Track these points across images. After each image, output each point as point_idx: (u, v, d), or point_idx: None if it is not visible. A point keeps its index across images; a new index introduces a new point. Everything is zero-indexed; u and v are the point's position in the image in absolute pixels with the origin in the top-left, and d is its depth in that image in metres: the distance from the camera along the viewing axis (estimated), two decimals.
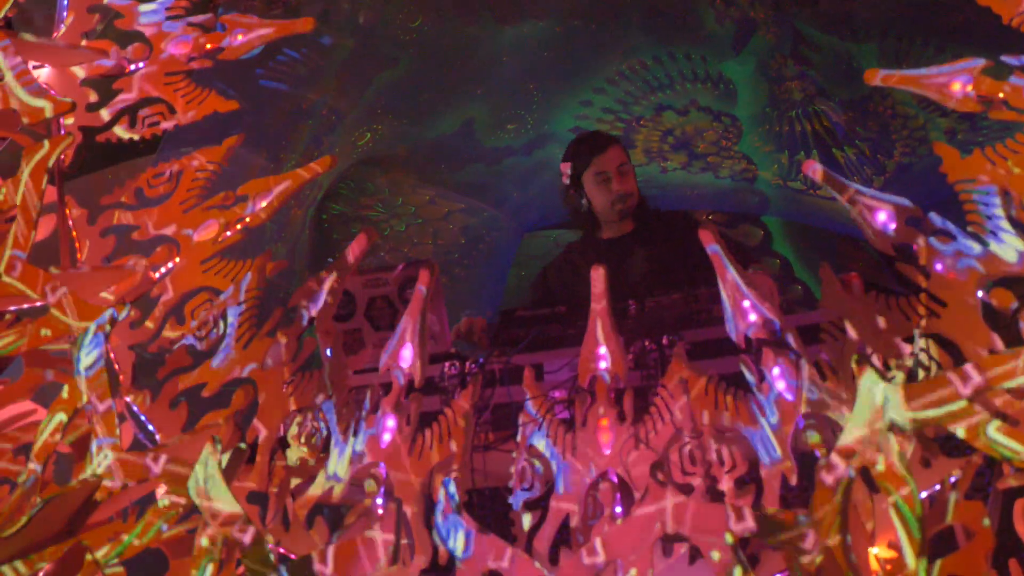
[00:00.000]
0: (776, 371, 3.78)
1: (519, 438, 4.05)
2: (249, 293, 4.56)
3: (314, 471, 4.19)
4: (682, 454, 3.78)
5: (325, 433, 4.26)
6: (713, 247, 3.94)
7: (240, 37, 4.86)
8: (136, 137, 4.87)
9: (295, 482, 4.24)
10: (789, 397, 3.73)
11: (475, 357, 4.43)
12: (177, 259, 4.62)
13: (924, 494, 3.48)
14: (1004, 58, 3.93)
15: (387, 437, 4.12)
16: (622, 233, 5.73)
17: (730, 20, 8.34)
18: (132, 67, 4.84)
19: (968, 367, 3.38)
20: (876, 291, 3.89)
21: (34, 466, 4.20)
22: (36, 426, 4.35)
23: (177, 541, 4.16)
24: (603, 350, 4.02)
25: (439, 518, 3.85)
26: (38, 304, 4.46)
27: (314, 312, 4.41)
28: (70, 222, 4.74)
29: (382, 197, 9.85)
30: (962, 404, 3.31)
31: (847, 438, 3.42)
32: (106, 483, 4.10)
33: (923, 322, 3.75)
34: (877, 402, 3.39)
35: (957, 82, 4.01)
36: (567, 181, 5.78)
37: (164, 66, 4.84)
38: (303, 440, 4.26)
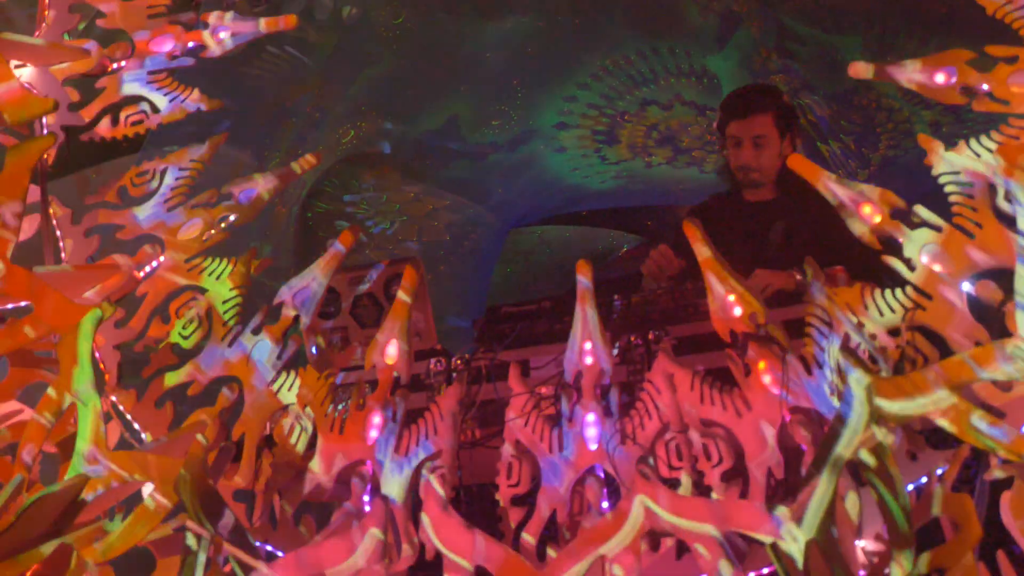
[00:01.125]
0: (762, 365, 3.78)
1: (505, 434, 4.05)
2: (234, 291, 4.56)
3: (301, 468, 4.19)
4: (668, 448, 3.78)
5: (311, 431, 4.26)
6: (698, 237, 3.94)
7: (223, 34, 4.85)
8: (119, 136, 4.86)
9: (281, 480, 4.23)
10: (775, 391, 3.73)
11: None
12: (162, 258, 4.61)
13: (910, 487, 3.48)
14: (989, 49, 3.94)
15: (373, 434, 4.12)
16: (763, 199, 5.56)
17: (714, 14, 8.36)
18: (114, 66, 4.82)
19: (953, 359, 3.38)
20: (862, 284, 3.89)
21: (21, 466, 4.19)
22: (22, 426, 4.34)
23: (164, 540, 4.16)
24: (589, 345, 4.02)
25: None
26: (22, 304, 4.45)
27: (300, 309, 4.41)
28: (54, 222, 4.72)
29: (367, 194, 9.85)
30: (948, 396, 3.31)
31: (833, 431, 3.42)
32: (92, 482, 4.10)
33: (909, 315, 3.74)
34: (863, 395, 3.39)
35: (941, 74, 4.01)
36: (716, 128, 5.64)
37: (147, 64, 4.83)
38: (289, 438, 4.26)
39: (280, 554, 4.08)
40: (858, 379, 3.40)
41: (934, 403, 3.34)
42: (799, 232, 5.16)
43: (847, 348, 3.61)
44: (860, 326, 3.75)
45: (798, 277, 4.54)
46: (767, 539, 3.38)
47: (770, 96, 5.63)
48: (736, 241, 5.15)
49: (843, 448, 3.37)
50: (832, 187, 3.95)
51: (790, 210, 5.25)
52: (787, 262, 4.59)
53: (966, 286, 3.71)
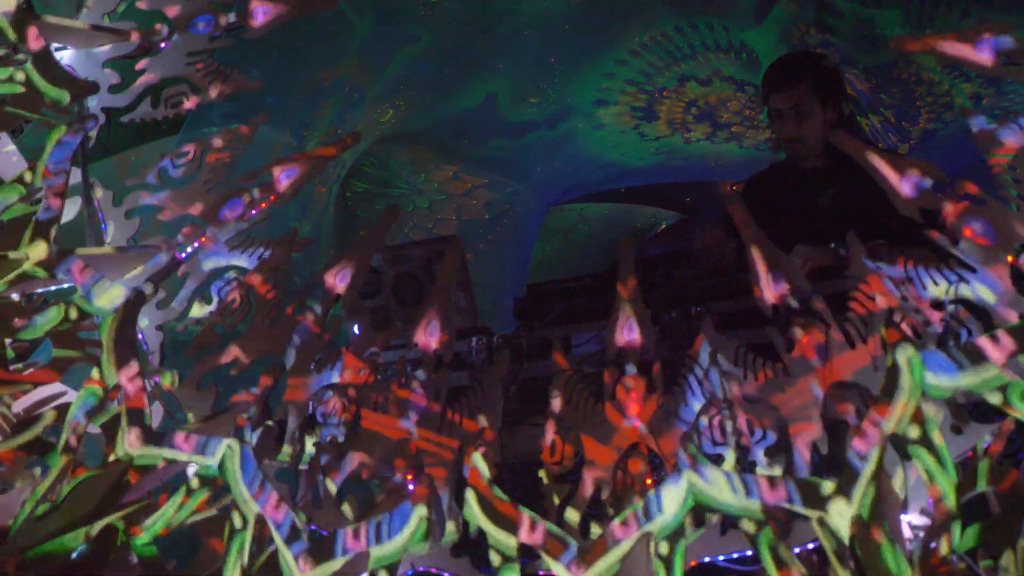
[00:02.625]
0: (805, 340, 3.76)
1: (548, 412, 4.05)
2: (275, 271, 4.57)
3: (343, 448, 4.20)
4: (712, 424, 3.77)
5: (354, 410, 4.27)
6: (741, 217, 3.92)
7: (261, 15, 4.86)
8: (160, 117, 4.87)
9: (325, 459, 4.24)
10: (819, 365, 3.71)
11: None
12: (203, 239, 4.62)
13: (956, 460, 3.46)
14: None
15: (415, 413, 4.12)
16: (815, 166, 5.48)
17: None
18: (155, 48, 4.84)
19: (999, 332, 3.36)
20: (904, 257, 3.86)
21: (65, 448, 4.22)
22: (66, 408, 4.37)
23: (210, 520, 4.18)
24: (631, 322, 4.00)
25: None
26: (66, 286, 4.49)
27: (341, 289, 4.41)
28: (96, 203, 4.75)
29: (405, 174, 9.86)
30: (994, 370, 3.30)
31: (879, 405, 3.41)
32: (136, 464, 4.13)
33: (953, 288, 3.72)
34: (907, 369, 3.38)
35: (983, 45, 3.98)
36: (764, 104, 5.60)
37: (187, 45, 4.85)
38: (331, 417, 4.27)
39: (324, 533, 4.09)
40: (903, 353, 3.39)
41: (979, 377, 3.32)
42: (847, 199, 5.11)
43: (891, 322, 3.59)
44: (904, 299, 3.72)
45: (841, 252, 4.52)
46: (813, 514, 3.37)
47: (808, 64, 5.58)
48: (786, 211, 5.14)
49: (888, 422, 3.36)
50: (874, 160, 3.92)
51: (841, 176, 5.19)
52: (834, 230, 4.56)
53: (1010, 259, 3.68)
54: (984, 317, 3.66)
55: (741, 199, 3.99)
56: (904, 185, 3.85)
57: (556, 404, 4.03)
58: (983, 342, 3.35)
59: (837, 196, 5.16)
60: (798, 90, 5.39)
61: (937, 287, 3.74)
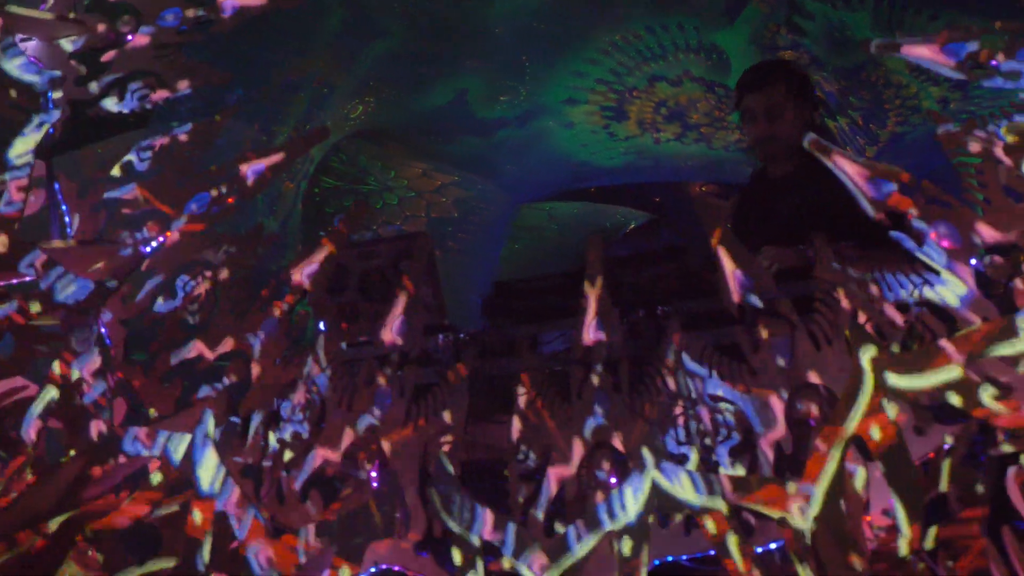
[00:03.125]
0: (770, 340, 3.78)
1: (514, 409, 4.05)
2: (242, 267, 4.55)
3: (308, 445, 4.19)
4: (677, 424, 3.78)
5: (319, 406, 4.26)
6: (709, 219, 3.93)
7: (230, 8, 4.83)
8: (126, 111, 4.85)
9: (289, 455, 4.23)
10: (783, 366, 3.73)
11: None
12: (168, 233, 4.60)
13: (918, 462, 3.48)
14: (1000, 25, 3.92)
15: (381, 410, 4.12)
16: (784, 173, 5.47)
17: None
18: (122, 40, 4.82)
19: (962, 334, 3.38)
20: (870, 259, 3.88)
21: (26, 442, 4.20)
22: (28, 402, 4.35)
23: (171, 516, 4.16)
24: (598, 321, 4.01)
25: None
26: (27, 279, 4.46)
27: (307, 285, 4.40)
28: (60, 196, 4.72)
29: (374, 170, 9.84)
30: (956, 372, 3.31)
31: (842, 406, 3.42)
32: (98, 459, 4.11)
33: (917, 291, 3.74)
34: (871, 371, 3.39)
35: (951, 49, 4.00)
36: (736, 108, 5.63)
37: (155, 38, 4.82)
38: (297, 414, 4.26)
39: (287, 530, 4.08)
40: (868, 354, 3.41)
41: (942, 378, 3.34)
42: (813, 205, 5.12)
43: (855, 324, 3.61)
44: (869, 301, 3.74)
45: (808, 253, 4.53)
46: (775, 514, 3.38)
47: (782, 68, 5.70)
48: (756, 219, 5.17)
49: (851, 423, 3.37)
50: (843, 163, 3.93)
51: (810, 182, 5.21)
52: (801, 236, 4.56)
53: (974, 262, 3.69)
54: (948, 320, 3.68)
55: (709, 200, 4.01)
56: (871, 188, 3.86)
57: (522, 402, 4.03)
58: (946, 344, 3.36)
59: (804, 202, 5.17)
60: (772, 90, 5.41)
61: (902, 289, 3.76)
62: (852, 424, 3.37)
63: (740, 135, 9.51)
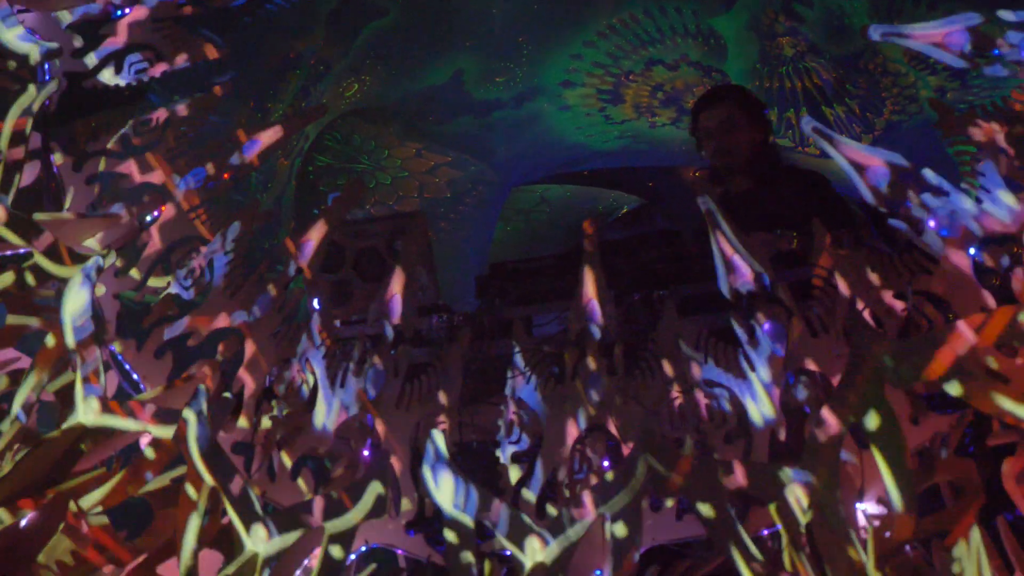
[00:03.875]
0: (766, 326, 3.77)
1: (508, 391, 4.04)
2: (236, 243, 4.54)
3: (301, 422, 4.18)
4: (672, 408, 3.77)
5: (312, 384, 4.25)
6: (704, 200, 3.92)
7: None
8: (123, 84, 4.83)
9: (281, 433, 4.22)
10: (779, 352, 3.72)
11: None
12: (164, 208, 4.59)
13: (914, 451, 3.47)
14: (1001, 13, 3.92)
15: (375, 389, 4.11)
16: (742, 190, 5.57)
17: None
18: (119, 12, 4.80)
19: (960, 324, 3.37)
20: (867, 248, 3.88)
21: (18, 414, 4.18)
22: (20, 374, 4.33)
23: (162, 491, 4.15)
24: (593, 304, 4.00)
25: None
26: (22, 251, 4.44)
27: (302, 262, 4.39)
28: (55, 169, 4.70)
29: (368, 149, 9.82)
30: (954, 361, 3.31)
31: (838, 394, 3.42)
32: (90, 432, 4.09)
33: (915, 279, 3.74)
34: (869, 359, 3.39)
35: (951, 37, 4.00)
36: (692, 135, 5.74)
37: (153, 11, 4.80)
38: (290, 391, 4.25)
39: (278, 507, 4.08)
40: (864, 342, 3.40)
41: (939, 368, 3.33)
42: (773, 219, 5.16)
43: (853, 311, 3.60)
44: (869, 288, 3.74)
45: (792, 238, 4.56)
46: (770, 500, 3.38)
47: (734, 89, 6.06)
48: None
49: (847, 411, 3.37)
50: (844, 150, 3.93)
51: (769, 198, 5.28)
52: None
53: (972, 251, 3.69)
54: (945, 309, 3.68)
55: (705, 185, 4.00)
56: (870, 176, 3.86)
57: (516, 384, 4.03)
58: (943, 333, 3.36)
59: (763, 216, 5.20)
60: (726, 105, 5.56)
61: (899, 278, 3.76)
62: (847, 411, 3.37)
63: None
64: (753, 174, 5.45)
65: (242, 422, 4.24)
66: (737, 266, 3.86)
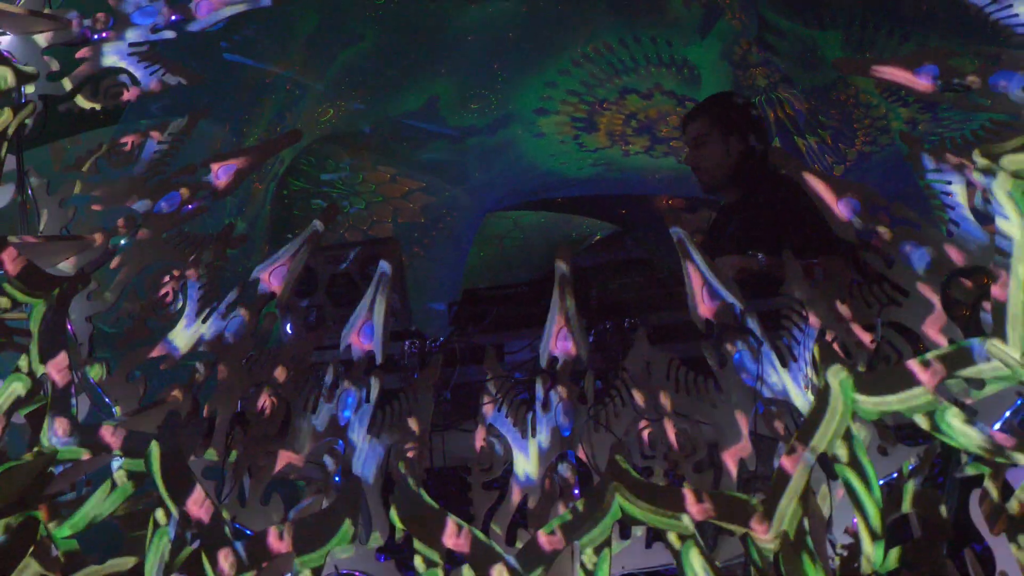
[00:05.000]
0: (737, 356, 3.79)
1: (479, 418, 4.05)
2: (210, 267, 4.54)
3: (271, 447, 4.18)
4: (642, 437, 3.79)
5: (284, 409, 4.25)
6: (676, 231, 3.94)
7: (205, 9, 4.83)
8: (98, 107, 4.84)
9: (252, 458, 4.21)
10: (749, 382, 3.75)
11: None
12: (137, 231, 4.59)
13: (881, 482, 3.49)
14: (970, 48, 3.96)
15: (347, 414, 4.12)
16: (729, 200, 5.58)
17: (696, 4, 8.36)
18: (95, 36, 4.81)
19: (930, 356, 3.40)
20: (837, 278, 3.91)
21: None
22: None
23: (132, 515, 4.14)
24: (564, 331, 4.01)
25: None
26: None
27: (275, 287, 4.39)
28: (30, 191, 4.69)
29: (343, 174, 9.83)
30: (924, 394, 3.33)
31: (808, 424, 3.44)
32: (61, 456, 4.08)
33: (884, 310, 3.76)
34: (838, 389, 3.41)
35: (922, 71, 4.03)
36: None
37: (129, 36, 4.82)
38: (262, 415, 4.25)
39: (248, 532, 4.07)
40: (835, 373, 3.42)
41: (908, 399, 3.36)
42: (758, 228, 5.17)
43: (823, 342, 3.62)
44: (839, 319, 3.76)
45: (759, 256, 4.59)
46: (739, 530, 3.39)
47: (713, 101, 5.82)
48: (709, 242, 5.26)
49: (817, 441, 3.39)
50: (812, 181, 3.96)
51: (755, 207, 5.28)
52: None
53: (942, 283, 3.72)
54: (914, 340, 3.70)
55: (677, 214, 4.03)
56: (841, 207, 3.89)
57: (487, 410, 4.04)
58: (913, 365, 3.38)
59: (749, 225, 5.21)
60: (699, 122, 5.55)
61: (869, 309, 3.79)
62: (817, 442, 3.39)
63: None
64: (740, 184, 5.45)
65: (213, 447, 4.23)
66: (707, 295, 3.89)
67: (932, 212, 3.88)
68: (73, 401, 4.18)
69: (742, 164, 5.41)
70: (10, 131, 4.50)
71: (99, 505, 4.02)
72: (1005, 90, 3.85)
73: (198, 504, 3.89)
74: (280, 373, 4.29)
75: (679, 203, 10.14)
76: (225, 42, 7.24)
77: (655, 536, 3.63)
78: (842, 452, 3.36)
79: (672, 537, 3.48)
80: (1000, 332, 3.34)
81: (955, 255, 3.72)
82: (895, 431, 3.63)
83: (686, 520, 3.43)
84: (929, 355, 3.41)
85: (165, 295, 4.50)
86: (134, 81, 4.83)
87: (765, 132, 5.58)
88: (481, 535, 3.70)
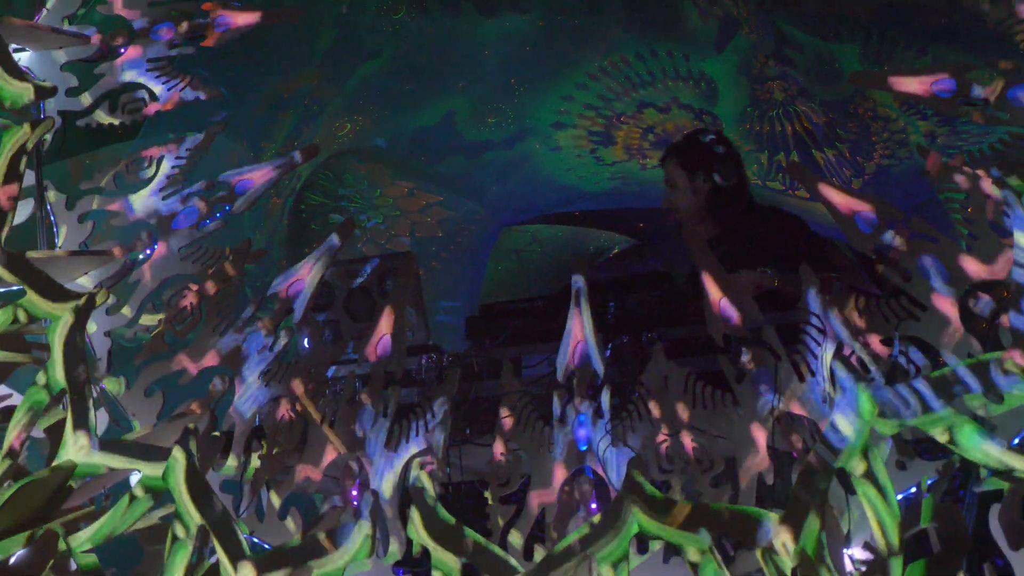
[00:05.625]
0: (755, 370, 3.79)
1: (497, 432, 4.05)
2: (228, 281, 4.56)
3: (290, 462, 4.18)
4: (659, 451, 3.78)
5: (301, 423, 4.25)
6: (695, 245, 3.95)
7: (223, 24, 4.85)
8: (117, 123, 4.86)
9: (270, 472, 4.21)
10: (768, 396, 3.74)
11: None
12: (156, 246, 4.60)
13: (900, 496, 3.48)
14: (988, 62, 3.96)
15: (364, 429, 4.12)
16: (712, 235, 5.53)
17: (713, 18, 8.33)
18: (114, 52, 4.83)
19: (947, 371, 3.39)
20: (855, 292, 3.89)
21: (8, 452, 4.18)
22: (11, 411, 4.33)
23: (151, 529, 4.15)
24: (582, 345, 4.02)
25: None
26: (14, 288, 4.44)
27: (293, 302, 4.40)
28: (48, 206, 4.71)
29: (360, 189, 9.83)
30: (941, 408, 3.32)
31: (825, 439, 3.43)
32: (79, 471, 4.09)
33: (902, 324, 3.75)
34: (856, 404, 3.40)
35: (940, 84, 4.03)
36: None
37: (147, 52, 4.83)
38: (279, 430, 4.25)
39: (266, 546, 4.08)
40: (858, 390, 3.41)
41: (928, 414, 3.35)
42: (736, 262, 5.21)
43: (841, 356, 3.61)
44: (855, 334, 3.75)
45: (769, 273, 4.63)
46: (756, 545, 3.38)
47: (678, 144, 6.02)
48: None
49: (833, 455, 3.38)
50: (829, 195, 3.96)
51: (732, 241, 5.32)
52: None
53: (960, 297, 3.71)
54: (932, 355, 3.69)
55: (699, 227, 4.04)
56: (859, 221, 3.88)
57: (505, 425, 4.04)
58: (932, 380, 3.37)
59: (727, 259, 5.25)
60: (667, 166, 5.80)
61: (887, 323, 3.77)
62: (835, 457, 3.38)
63: None
64: (716, 220, 5.51)
65: (231, 461, 4.24)
66: (725, 309, 3.88)
67: (951, 225, 3.87)
68: (92, 415, 4.19)
69: (712, 201, 5.53)
70: (29, 146, 4.52)
71: (118, 519, 4.02)
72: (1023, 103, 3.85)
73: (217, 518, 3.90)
74: (297, 387, 4.29)
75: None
76: (242, 57, 7.26)
77: (673, 550, 3.62)
78: (860, 467, 3.35)
79: (690, 552, 3.47)
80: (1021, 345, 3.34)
81: (973, 268, 3.71)
82: (914, 445, 3.62)
83: (704, 535, 3.43)
84: (947, 369, 3.40)
85: (184, 309, 4.52)
86: (152, 97, 4.85)
87: (733, 167, 5.66)
88: (499, 549, 3.70)
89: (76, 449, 4.08)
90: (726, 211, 5.48)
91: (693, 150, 5.74)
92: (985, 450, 3.28)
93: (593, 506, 3.81)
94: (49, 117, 4.66)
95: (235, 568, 3.77)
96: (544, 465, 3.93)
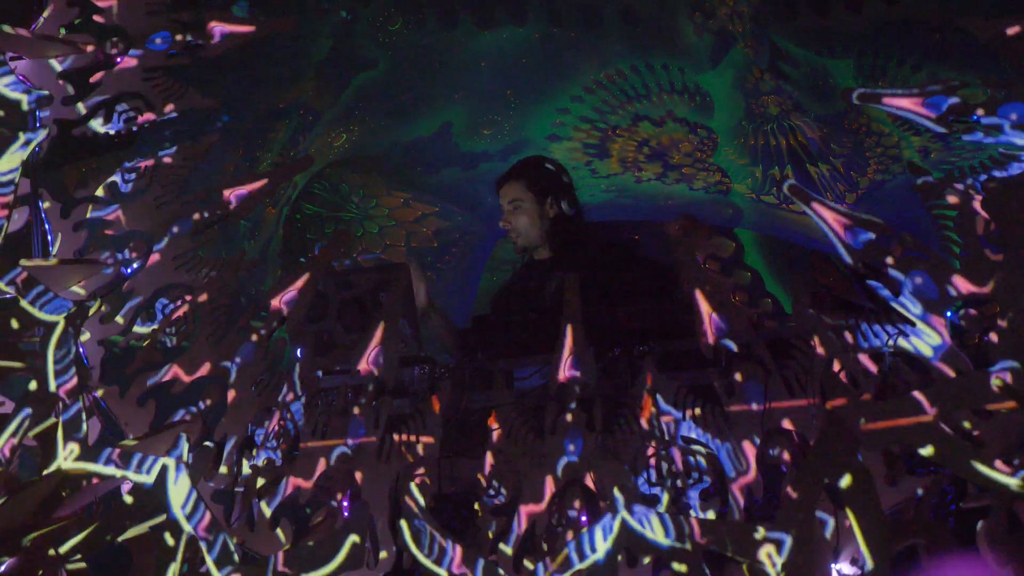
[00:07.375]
0: (745, 384, 3.80)
1: (488, 444, 4.06)
2: (221, 291, 4.56)
3: (281, 472, 4.19)
4: (649, 464, 3.79)
5: (293, 434, 4.26)
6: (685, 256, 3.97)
7: (219, 35, 4.86)
8: (112, 131, 4.86)
9: (261, 482, 4.21)
10: (757, 411, 3.75)
11: None
12: (150, 255, 4.61)
13: (888, 511, 3.49)
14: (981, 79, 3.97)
15: (355, 439, 4.12)
16: (543, 257, 5.76)
17: (708, 33, 8.34)
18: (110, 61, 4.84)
19: (935, 387, 3.40)
20: (846, 307, 3.90)
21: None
22: (3, 419, 4.33)
23: (141, 538, 4.15)
24: (573, 358, 4.02)
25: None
26: (7, 296, 4.45)
27: (286, 311, 4.41)
28: (43, 214, 4.72)
29: (356, 198, 9.83)
30: (929, 424, 3.33)
31: (815, 453, 3.44)
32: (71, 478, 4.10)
33: (892, 340, 3.76)
34: (844, 418, 3.41)
35: (933, 101, 4.04)
36: None
37: (143, 61, 4.84)
38: (271, 440, 4.26)
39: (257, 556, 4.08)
40: (841, 404, 3.43)
41: (915, 429, 3.36)
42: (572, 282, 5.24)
43: (830, 372, 3.62)
44: (844, 349, 3.76)
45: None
46: (745, 559, 3.39)
47: (525, 166, 5.98)
48: (517, 296, 5.59)
49: (823, 470, 3.39)
50: (820, 211, 3.97)
51: (567, 265, 5.34)
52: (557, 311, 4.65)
53: (950, 313, 3.72)
54: (922, 370, 3.70)
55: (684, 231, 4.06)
56: (850, 236, 3.89)
57: (495, 437, 4.04)
58: (920, 395, 3.38)
59: (560, 281, 5.28)
60: (513, 186, 5.77)
61: (876, 339, 3.79)
62: (824, 471, 3.39)
63: (721, 177, 9.56)
64: (551, 244, 5.67)
65: (223, 471, 4.24)
66: (716, 323, 3.90)
67: (942, 241, 3.88)
68: (83, 424, 4.20)
69: (555, 227, 5.65)
70: (24, 155, 4.53)
71: (108, 527, 4.03)
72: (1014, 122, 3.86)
73: (207, 528, 3.91)
74: (290, 398, 4.30)
75: (688, 225, 10.11)
76: (238, 67, 7.26)
77: (662, 564, 3.63)
78: (847, 481, 3.36)
79: (678, 565, 3.48)
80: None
81: (964, 285, 3.73)
82: (906, 460, 3.63)
83: (692, 549, 3.44)
84: (936, 385, 3.41)
85: (177, 319, 4.52)
86: (148, 106, 4.86)
87: (575, 197, 5.82)
88: (488, 562, 3.71)
89: (67, 458, 4.09)
90: (561, 238, 5.65)
91: (544, 175, 5.83)
92: (972, 467, 3.29)
93: (583, 519, 3.81)
94: (44, 126, 4.67)
95: None
96: (535, 477, 3.94)
